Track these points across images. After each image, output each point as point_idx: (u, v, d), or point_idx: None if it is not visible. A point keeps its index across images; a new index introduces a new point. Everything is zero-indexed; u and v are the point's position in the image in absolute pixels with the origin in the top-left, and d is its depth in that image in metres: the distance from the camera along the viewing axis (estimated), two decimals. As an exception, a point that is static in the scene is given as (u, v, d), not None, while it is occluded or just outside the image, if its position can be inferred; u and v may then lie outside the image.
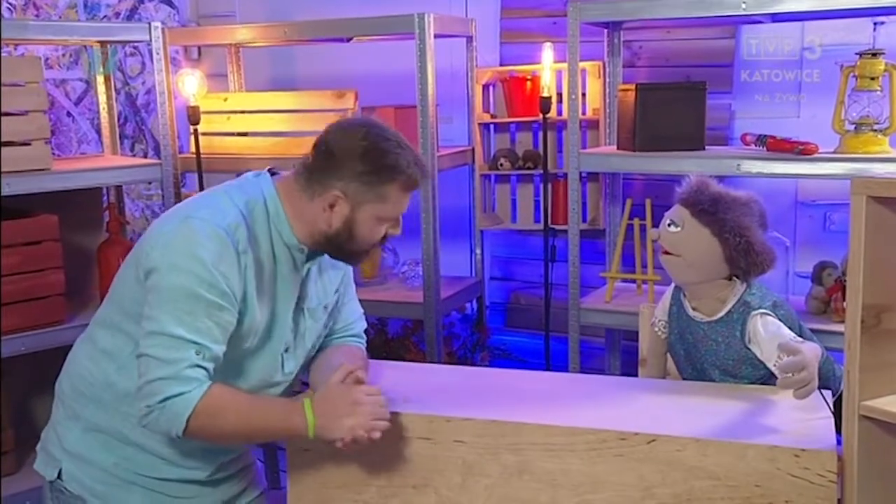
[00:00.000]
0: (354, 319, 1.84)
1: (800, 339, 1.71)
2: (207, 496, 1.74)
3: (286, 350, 1.68)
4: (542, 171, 2.87)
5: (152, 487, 1.69)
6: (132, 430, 1.64)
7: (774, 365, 1.69)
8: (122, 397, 1.64)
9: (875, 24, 2.67)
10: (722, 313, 1.81)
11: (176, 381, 1.49)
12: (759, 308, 1.77)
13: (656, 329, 1.99)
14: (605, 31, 2.80)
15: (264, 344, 1.64)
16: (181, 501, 1.71)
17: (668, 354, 1.99)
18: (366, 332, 1.89)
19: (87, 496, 1.69)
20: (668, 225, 1.81)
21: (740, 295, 1.81)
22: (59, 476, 1.70)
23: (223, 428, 1.54)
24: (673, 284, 1.95)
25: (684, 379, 1.93)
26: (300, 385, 1.79)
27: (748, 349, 1.78)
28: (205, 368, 1.52)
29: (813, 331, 2.20)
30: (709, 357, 1.82)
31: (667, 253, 1.82)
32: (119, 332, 1.65)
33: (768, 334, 1.73)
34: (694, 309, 1.86)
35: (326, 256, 1.72)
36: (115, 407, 1.65)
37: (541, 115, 2.79)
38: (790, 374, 1.52)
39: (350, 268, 1.83)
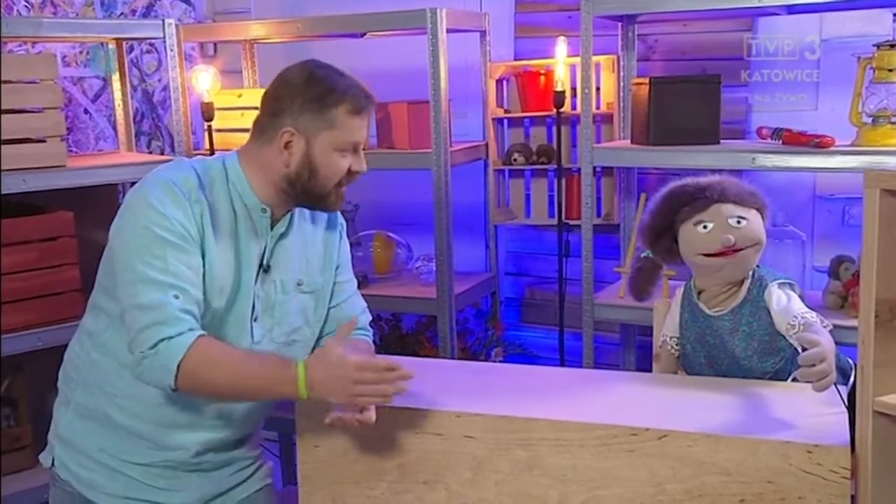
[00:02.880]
0: (358, 313, 1.84)
1: (807, 315, 1.72)
2: (195, 488, 1.74)
3: (255, 319, 1.68)
4: (556, 166, 2.86)
5: (136, 476, 1.70)
6: (117, 411, 1.67)
7: (786, 332, 1.73)
8: (105, 375, 1.67)
9: (894, 15, 2.64)
10: (742, 295, 1.81)
11: (165, 325, 1.51)
12: (776, 280, 1.80)
13: (669, 348, 1.96)
14: (619, 24, 2.78)
15: (232, 305, 1.65)
16: (167, 494, 1.72)
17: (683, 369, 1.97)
18: (375, 325, 1.89)
19: (73, 482, 1.72)
20: (738, 222, 1.79)
21: (753, 273, 1.82)
22: (52, 463, 1.75)
23: (214, 379, 1.54)
24: (679, 296, 1.93)
25: None
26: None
27: None
28: (191, 314, 1.54)
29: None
30: (743, 343, 1.81)
31: (737, 250, 1.78)
32: (98, 310, 1.69)
33: (779, 307, 1.75)
34: (713, 307, 1.85)
35: (308, 231, 1.74)
36: (100, 387, 1.68)
37: (555, 110, 2.78)
38: (810, 366, 1.51)
39: (346, 258, 1.83)
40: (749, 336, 1.80)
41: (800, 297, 1.79)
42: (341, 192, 1.68)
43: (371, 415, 1.55)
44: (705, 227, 1.80)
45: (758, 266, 1.84)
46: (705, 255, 1.80)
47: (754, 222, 1.81)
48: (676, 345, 1.94)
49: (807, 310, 1.74)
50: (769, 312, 1.78)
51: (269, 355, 1.65)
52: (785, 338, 1.77)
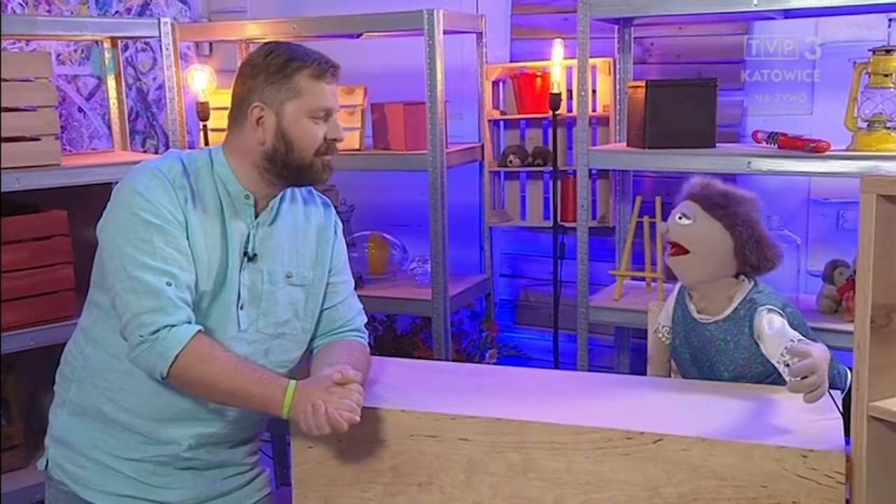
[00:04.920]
0: (353, 315, 1.84)
1: (803, 338, 1.69)
2: (190, 487, 1.74)
3: (241, 307, 1.68)
4: (551, 168, 2.86)
5: (129, 472, 1.69)
6: (110, 405, 1.68)
7: (778, 361, 1.67)
8: (97, 370, 1.68)
9: (890, 20, 2.65)
10: (728, 311, 1.79)
11: (164, 313, 1.53)
12: (766, 305, 1.76)
13: (660, 335, 1.97)
14: (616, 27, 2.79)
15: (219, 291, 1.66)
16: (161, 492, 1.71)
17: (672, 359, 1.97)
18: (370, 326, 1.89)
19: (68, 482, 1.71)
20: (679, 217, 1.79)
21: (747, 293, 1.79)
22: (47, 465, 1.74)
23: (206, 376, 1.56)
24: (677, 289, 1.93)
25: None
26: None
27: (758, 346, 1.76)
28: (185, 302, 1.56)
29: (824, 330, 2.19)
30: (719, 358, 1.80)
31: (676, 249, 1.79)
32: (92, 305, 1.70)
33: (772, 331, 1.71)
34: (700, 311, 1.84)
35: (300, 224, 1.74)
36: (92, 382, 1.69)
37: (551, 112, 2.77)
38: (801, 378, 1.51)
39: (342, 258, 1.83)
40: (725, 352, 1.79)
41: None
42: (326, 161, 1.69)
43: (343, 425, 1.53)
44: (671, 216, 1.83)
45: (755, 285, 1.81)
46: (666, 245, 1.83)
47: (701, 229, 1.77)
48: (668, 333, 1.95)
49: (800, 335, 1.71)
50: (752, 338, 1.76)
51: (263, 368, 1.65)
52: (761, 369, 1.76)
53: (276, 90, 1.63)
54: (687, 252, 1.78)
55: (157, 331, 1.53)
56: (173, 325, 1.54)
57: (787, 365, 1.60)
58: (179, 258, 1.58)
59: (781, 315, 1.74)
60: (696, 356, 1.86)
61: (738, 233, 1.76)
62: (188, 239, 1.60)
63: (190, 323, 1.57)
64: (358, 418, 1.53)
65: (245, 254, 1.68)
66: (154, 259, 1.55)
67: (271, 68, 1.63)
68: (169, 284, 1.55)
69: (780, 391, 1.70)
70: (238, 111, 1.67)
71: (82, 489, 1.70)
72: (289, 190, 1.75)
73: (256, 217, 1.69)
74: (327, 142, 1.67)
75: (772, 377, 1.77)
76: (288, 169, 1.66)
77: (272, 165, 1.66)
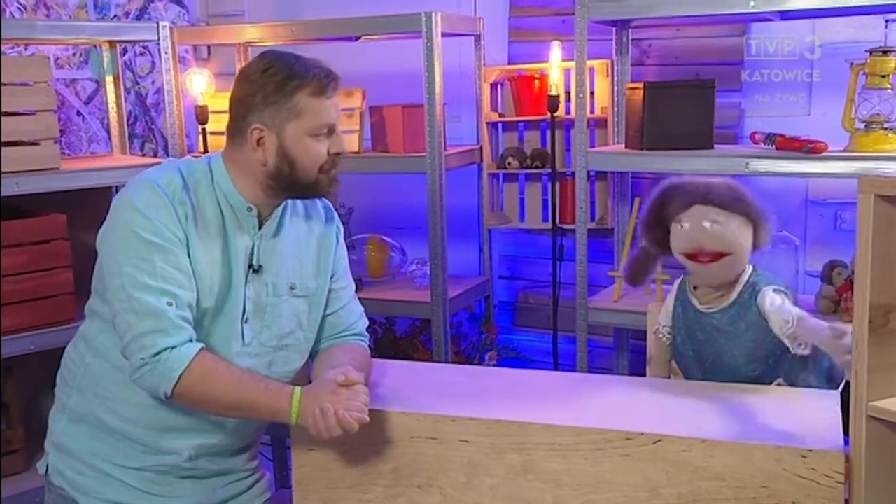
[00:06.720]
0: (355, 319, 1.83)
1: (803, 314, 1.70)
2: (190, 495, 1.73)
3: (245, 321, 1.67)
4: (550, 170, 2.86)
5: (129, 481, 1.69)
6: (110, 415, 1.67)
7: (782, 335, 1.70)
8: (98, 379, 1.67)
9: (886, 21, 2.66)
10: (733, 297, 1.80)
11: (166, 334, 1.52)
12: (769, 285, 1.78)
13: (660, 335, 1.97)
14: (614, 29, 2.79)
15: (222, 306, 1.64)
16: (161, 500, 1.71)
17: (673, 360, 1.97)
18: (369, 329, 1.88)
19: (67, 488, 1.71)
20: (710, 224, 1.77)
21: (749, 276, 1.81)
22: (47, 470, 1.74)
23: (211, 392, 1.55)
24: (675, 286, 1.93)
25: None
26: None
27: (765, 323, 1.76)
28: (186, 321, 1.55)
29: (823, 330, 2.20)
30: (730, 344, 1.80)
31: (712, 256, 1.76)
32: (93, 314, 1.69)
33: (773, 307, 1.73)
34: (705, 303, 1.84)
35: (302, 234, 1.73)
36: (93, 390, 1.68)
37: (549, 114, 2.78)
38: (839, 337, 1.50)
39: (344, 264, 1.82)
40: (735, 337, 1.80)
41: (792, 304, 1.79)
42: (331, 176, 1.67)
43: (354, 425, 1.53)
44: (682, 225, 1.80)
45: (755, 270, 1.82)
46: (685, 256, 1.81)
47: (732, 229, 1.77)
48: (668, 333, 1.95)
49: (800, 312, 1.73)
50: (760, 316, 1.77)
51: (267, 378, 1.64)
52: (770, 346, 1.77)
53: (275, 111, 1.58)
54: (723, 255, 1.76)
55: (159, 353, 1.51)
56: (174, 347, 1.52)
57: (796, 339, 1.64)
58: (180, 277, 1.56)
59: (784, 294, 1.77)
60: (701, 350, 1.86)
61: (754, 218, 1.78)
62: (189, 256, 1.58)
63: (191, 342, 1.55)
64: (367, 418, 1.53)
65: (250, 266, 1.67)
66: (154, 279, 1.53)
67: (270, 87, 1.57)
68: (170, 304, 1.53)
69: (778, 391, 1.70)
70: (237, 128, 1.63)
71: (82, 496, 1.69)
72: (290, 200, 1.73)
73: (260, 228, 1.68)
74: (331, 157, 1.64)
75: (783, 356, 1.77)
76: (293, 186, 1.64)
77: (276, 183, 1.63)
